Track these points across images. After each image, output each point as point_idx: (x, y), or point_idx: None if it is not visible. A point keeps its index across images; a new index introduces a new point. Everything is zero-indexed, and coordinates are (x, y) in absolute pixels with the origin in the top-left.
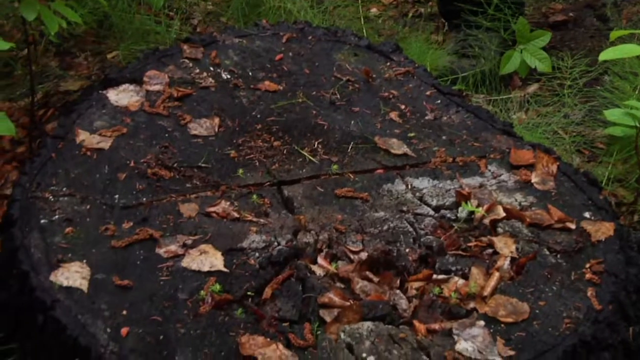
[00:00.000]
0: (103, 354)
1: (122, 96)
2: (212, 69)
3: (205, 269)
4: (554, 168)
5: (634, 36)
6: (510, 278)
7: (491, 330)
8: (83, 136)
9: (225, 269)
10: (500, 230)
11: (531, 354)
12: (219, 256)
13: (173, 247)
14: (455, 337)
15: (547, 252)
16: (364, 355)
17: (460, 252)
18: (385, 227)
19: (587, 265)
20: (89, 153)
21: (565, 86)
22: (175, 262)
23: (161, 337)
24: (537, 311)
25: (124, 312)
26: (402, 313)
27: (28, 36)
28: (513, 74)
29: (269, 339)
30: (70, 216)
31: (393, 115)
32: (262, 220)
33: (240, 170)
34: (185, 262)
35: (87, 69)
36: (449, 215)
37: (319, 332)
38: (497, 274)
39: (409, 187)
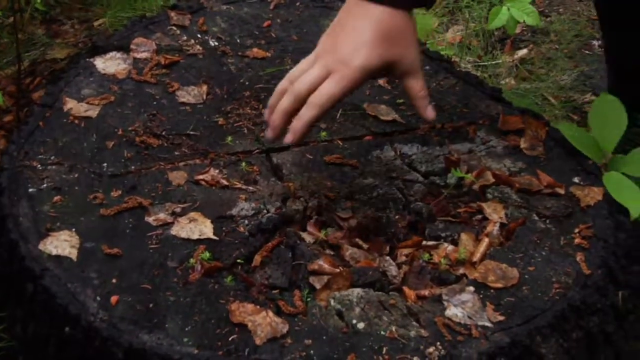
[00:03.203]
0: (93, 322)
1: (110, 64)
2: (199, 36)
3: (195, 236)
4: (542, 133)
5: None
6: (500, 244)
7: (481, 296)
8: (71, 104)
9: (214, 237)
10: (489, 196)
11: (521, 319)
12: (208, 224)
13: (162, 215)
14: (445, 303)
15: (537, 218)
16: (354, 321)
17: (449, 218)
18: (375, 194)
19: (576, 230)
20: (76, 121)
21: (555, 51)
22: (164, 230)
23: (151, 305)
24: (527, 276)
25: (114, 281)
26: (391, 279)
27: (14, 3)
28: (508, 39)
29: (259, 306)
30: (59, 185)
31: (381, 81)
32: (251, 187)
33: (229, 138)
34: (175, 230)
35: (74, 37)
36: (438, 181)
37: (309, 299)
38: (486, 240)
39: (398, 153)
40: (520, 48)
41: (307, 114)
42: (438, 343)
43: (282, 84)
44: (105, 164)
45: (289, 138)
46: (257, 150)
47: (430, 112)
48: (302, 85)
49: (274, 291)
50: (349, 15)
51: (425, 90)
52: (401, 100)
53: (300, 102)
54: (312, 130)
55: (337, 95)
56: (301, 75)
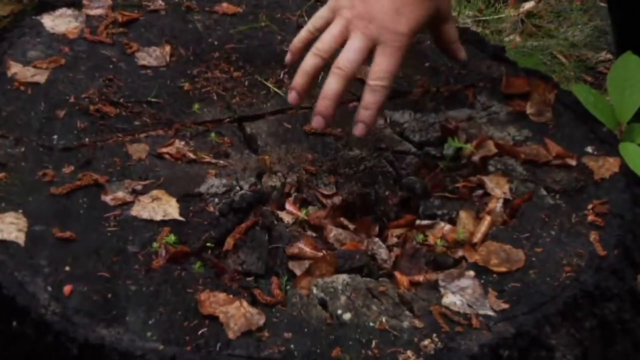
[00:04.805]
0: (44, 315)
1: (59, 22)
2: None
3: (158, 217)
4: (551, 97)
5: None
6: (503, 222)
7: (482, 281)
8: (15, 69)
9: (180, 218)
10: (491, 168)
11: (527, 306)
12: (173, 203)
13: (121, 194)
14: (442, 290)
15: (545, 192)
16: (339, 312)
17: (446, 194)
18: (362, 167)
19: (590, 206)
20: (22, 88)
21: (566, 3)
22: (123, 211)
23: (109, 295)
24: (534, 259)
25: (67, 268)
26: (381, 264)
27: None
28: None
29: (231, 296)
30: (3, 160)
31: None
32: (221, 161)
33: (196, 105)
34: (135, 211)
35: None
36: (433, 152)
37: (288, 287)
38: (488, 218)
39: (388, 121)
40: (526, 0)
41: (374, 100)
42: (434, 335)
43: (311, 61)
44: (55, 136)
45: (361, 130)
46: (227, 119)
47: (464, 53)
48: (350, 63)
49: (248, 278)
50: None
51: (457, 33)
52: None
53: (350, 82)
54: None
55: (397, 71)
56: (331, 45)
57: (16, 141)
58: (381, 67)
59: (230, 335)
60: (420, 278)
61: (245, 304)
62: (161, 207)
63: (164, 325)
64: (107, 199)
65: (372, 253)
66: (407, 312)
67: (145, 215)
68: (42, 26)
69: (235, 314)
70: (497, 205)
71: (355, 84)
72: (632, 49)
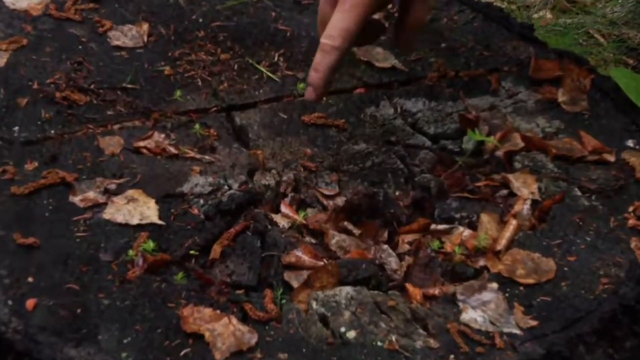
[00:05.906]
0: (4, 334)
1: None
2: None
3: (135, 221)
4: (586, 83)
5: None
6: (531, 227)
7: (507, 295)
8: None
9: (160, 222)
10: (517, 165)
11: (559, 323)
12: (152, 205)
13: (92, 194)
14: (461, 305)
15: (579, 193)
16: (343, 329)
17: (465, 194)
18: (369, 164)
19: (631, 209)
20: None
21: None
22: (94, 214)
23: (79, 310)
24: (566, 269)
25: (30, 279)
26: (391, 274)
27: None
28: None
29: (219, 311)
30: None
31: (376, 15)
32: (207, 157)
33: (178, 92)
34: (108, 213)
35: None
36: (450, 146)
37: (283, 301)
38: (513, 222)
39: (399, 110)
40: None
41: (322, 62)
42: (452, 356)
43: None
44: (16, 128)
45: (309, 94)
46: (214, 108)
47: (412, 50)
48: (319, 25)
49: (238, 291)
50: None
51: (426, 20)
52: None
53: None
54: (287, 81)
55: (352, 29)
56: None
57: None
58: (334, 24)
59: (218, 356)
60: (436, 291)
61: (234, 320)
62: (138, 209)
63: (142, 344)
64: (76, 199)
65: (381, 262)
66: (420, 330)
67: (119, 218)
68: (1, 1)
69: (223, 332)
70: (524, 207)
71: (360, 65)
72: None
